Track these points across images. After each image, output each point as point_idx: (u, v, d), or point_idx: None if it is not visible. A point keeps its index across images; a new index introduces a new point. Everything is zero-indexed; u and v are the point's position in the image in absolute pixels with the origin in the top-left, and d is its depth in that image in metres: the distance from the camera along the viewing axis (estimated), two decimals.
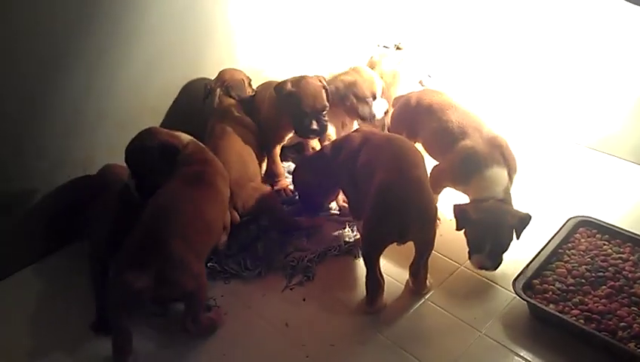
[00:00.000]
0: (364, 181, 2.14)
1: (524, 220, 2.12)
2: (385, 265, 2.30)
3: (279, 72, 2.99)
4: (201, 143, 2.29)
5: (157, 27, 2.51)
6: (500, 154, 2.22)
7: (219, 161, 2.28)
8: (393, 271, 2.29)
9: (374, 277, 2.11)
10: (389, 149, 2.17)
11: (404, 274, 2.25)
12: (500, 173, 2.18)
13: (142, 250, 1.89)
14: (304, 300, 2.21)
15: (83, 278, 2.26)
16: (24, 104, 2.24)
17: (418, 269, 2.17)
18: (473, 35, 3.51)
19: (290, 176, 2.75)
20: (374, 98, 2.72)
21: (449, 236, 2.42)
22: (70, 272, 2.36)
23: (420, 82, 3.06)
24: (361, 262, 2.33)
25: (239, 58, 2.90)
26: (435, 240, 2.17)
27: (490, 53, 3.45)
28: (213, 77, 2.78)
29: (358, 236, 2.45)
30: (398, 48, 3.33)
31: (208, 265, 2.28)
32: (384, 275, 2.15)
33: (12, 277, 2.38)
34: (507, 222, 2.10)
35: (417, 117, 2.50)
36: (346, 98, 2.70)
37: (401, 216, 1.99)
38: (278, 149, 2.77)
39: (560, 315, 1.98)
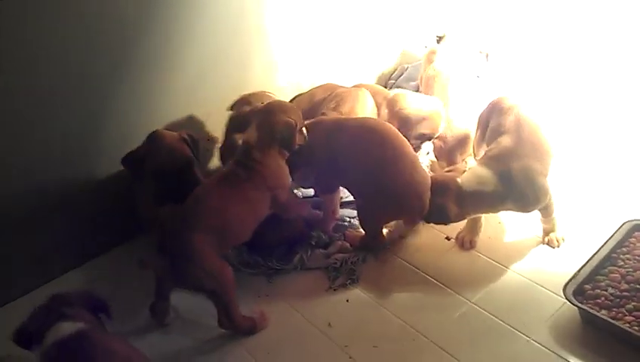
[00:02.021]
0: (353, 168, 2.26)
1: (433, 211, 2.18)
2: (432, 269, 2.31)
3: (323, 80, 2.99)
4: (259, 155, 2.14)
5: (208, 35, 2.57)
6: (498, 166, 2.16)
7: (269, 177, 2.14)
8: (439, 274, 2.27)
9: (380, 242, 2.38)
10: (375, 140, 2.24)
11: (449, 277, 2.24)
12: (480, 172, 2.17)
13: (166, 237, 2.01)
14: (347, 301, 2.21)
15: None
16: (75, 113, 2.33)
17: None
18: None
19: None
20: None
21: (496, 238, 2.40)
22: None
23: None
24: (403, 264, 2.35)
25: (286, 64, 2.94)
26: (482, 243, 2.25)
27: (546, 51, 3.38)
28: (260, 83, 2.80)
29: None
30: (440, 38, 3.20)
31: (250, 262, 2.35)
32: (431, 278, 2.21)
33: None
34: (437, 192, 2.18)
35: (489, 117, 2.44)
36: None
37: (411, 209, 2.23)
38: None
39: (613, 322, 1.90)
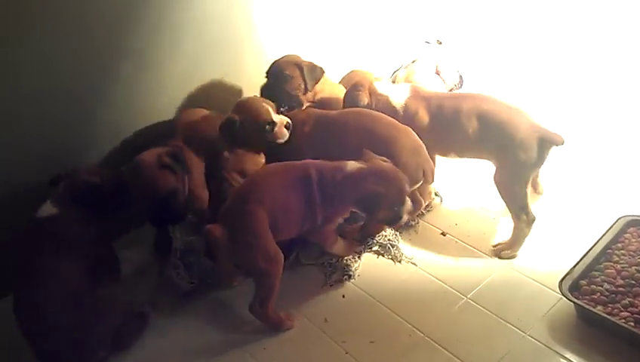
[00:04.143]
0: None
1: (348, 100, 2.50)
2: (428, 264, 2.31)
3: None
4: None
5: (200, 25, 2.56)
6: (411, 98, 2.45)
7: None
8: (434, 270, 2.27)
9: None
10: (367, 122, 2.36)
11: (445, 273, 2.24)
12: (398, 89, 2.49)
13: (228, 209, 2.06)
14: (343, 297, 2.21)
15: None
16: (71, 104, 2.31)
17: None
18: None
19: None
20: None
21: (492, 234, 2.42)
22: None
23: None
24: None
25: (279, 55, 2.91)
26: (478, 239, 2.26)
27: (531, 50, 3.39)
28: (253, 73, 2.78)
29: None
30: (438, 42, 3.26)
31: None
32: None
33: None
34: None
35: None
36: None
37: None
38: None
39: (608, 317, 1.91)
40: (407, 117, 2.41)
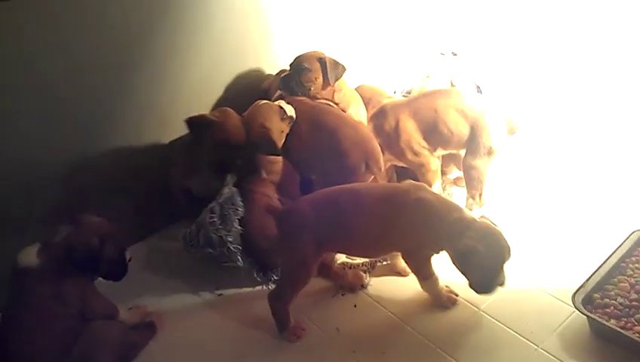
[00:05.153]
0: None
1: None
2: (441, 275, 2.27)
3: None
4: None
5: (220, 31, 2.61)
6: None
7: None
8: (447, 281, 2.24)
9: None
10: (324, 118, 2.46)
11: (458, 284, 2.21)
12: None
13: (297, 201, 2.16)
14: (355, 306, 2.21)
15: None
16: (92, 109, 2.37)
17: None
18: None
19: None
20: None
21: None
22: None
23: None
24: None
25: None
26: None
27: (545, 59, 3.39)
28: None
29: None
30: (453, 54, 3.29)
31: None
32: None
33: None
34: None
35: None
36: None
37: None
38: None
39: (622, 331, 1.89)
40: (386, 130, 2.52)
